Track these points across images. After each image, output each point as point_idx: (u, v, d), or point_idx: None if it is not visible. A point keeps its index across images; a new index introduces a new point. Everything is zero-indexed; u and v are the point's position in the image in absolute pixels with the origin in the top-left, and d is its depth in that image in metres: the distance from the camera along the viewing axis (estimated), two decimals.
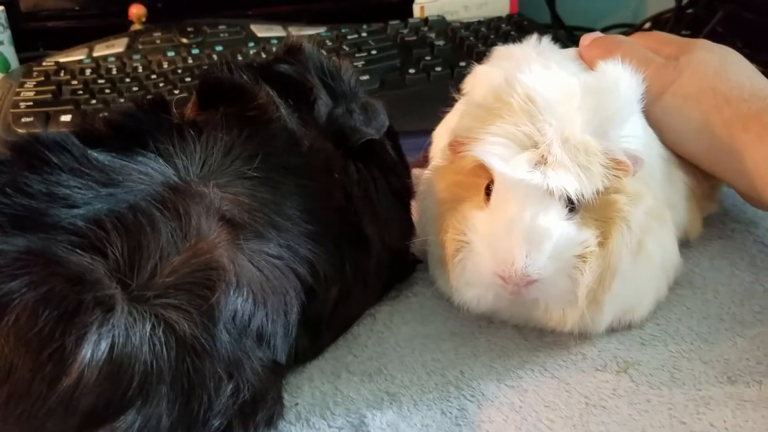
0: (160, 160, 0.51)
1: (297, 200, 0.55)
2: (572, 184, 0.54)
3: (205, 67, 1.01)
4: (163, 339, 0.43)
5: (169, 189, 0.49)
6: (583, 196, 0.55)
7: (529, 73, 0.59)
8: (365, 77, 1.01)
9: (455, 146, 0.59)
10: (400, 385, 0.57)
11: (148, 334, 0.43)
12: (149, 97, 0.95)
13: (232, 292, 0.47)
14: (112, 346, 0.41)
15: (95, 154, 0.49)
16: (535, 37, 0.71)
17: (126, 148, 0.51)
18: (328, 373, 0.59)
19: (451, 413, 0.54)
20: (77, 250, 0.43)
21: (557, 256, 0.55)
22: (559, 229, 0.55)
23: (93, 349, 0.41)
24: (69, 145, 0.48)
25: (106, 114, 0.70)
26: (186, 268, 0.46)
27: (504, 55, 0.71)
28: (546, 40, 0.71)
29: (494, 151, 0.55)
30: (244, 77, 0.58)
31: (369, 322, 0.65)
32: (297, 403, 0.56)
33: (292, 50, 0.65)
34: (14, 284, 0.40)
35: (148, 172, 0.50)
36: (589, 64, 0.68)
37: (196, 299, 0.45)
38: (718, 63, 0.67)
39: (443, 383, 0.57)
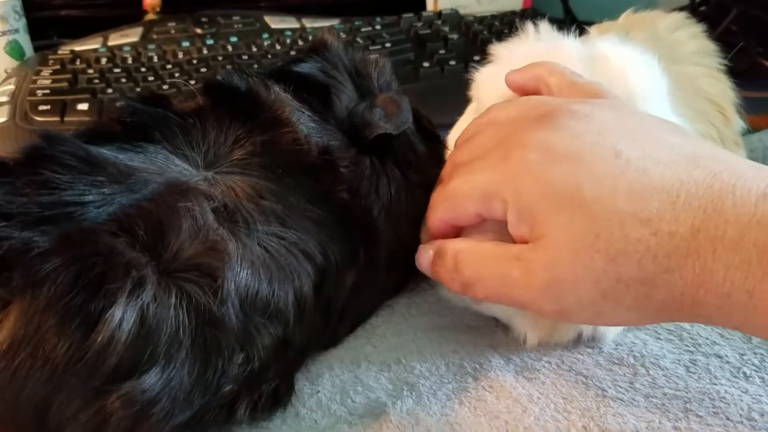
0: (169, 154, 0.53)
1: (300, 191, 0.56)
2: None
3: (210, 71, 1.01)
4: (185, 309, 0.46)
5: (179, 181, 0.51)
6: None
7: None
8: None
9: None
10: (419, 375, 0.58)
11: (173, 303, 0.46)
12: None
13: (234, 268, 0.49)
14: (142, 311, 0.44)
15: (106, 151, 0.50)
16: (531, 28, 0.66)
17: (135, 143, 0.52)
18: (347, 363, 0.59)
19: (470, 403, 0.55)
20: (107, 233, 0.46)
21: None
22: None
23: (124, 312, 0.43)
24: (76, 144, 0.49)
25: (110, 110, 0.71)
26: (199, 247, 0.48)
27: (504, 54, 0.67)
28: (545, 27, 0.65)
29: None
30: (251, 80, 0.58)
31: (387, 313, 0.65)
32: (318, 391, 0.56)
33: (317, 47, 0.65)
34: (49, 264, 0.42)
35: (159, 165, 0.51)
36: None
37: (206, 276, 0.48)
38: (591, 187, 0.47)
39: (462, 374, 0.58)
